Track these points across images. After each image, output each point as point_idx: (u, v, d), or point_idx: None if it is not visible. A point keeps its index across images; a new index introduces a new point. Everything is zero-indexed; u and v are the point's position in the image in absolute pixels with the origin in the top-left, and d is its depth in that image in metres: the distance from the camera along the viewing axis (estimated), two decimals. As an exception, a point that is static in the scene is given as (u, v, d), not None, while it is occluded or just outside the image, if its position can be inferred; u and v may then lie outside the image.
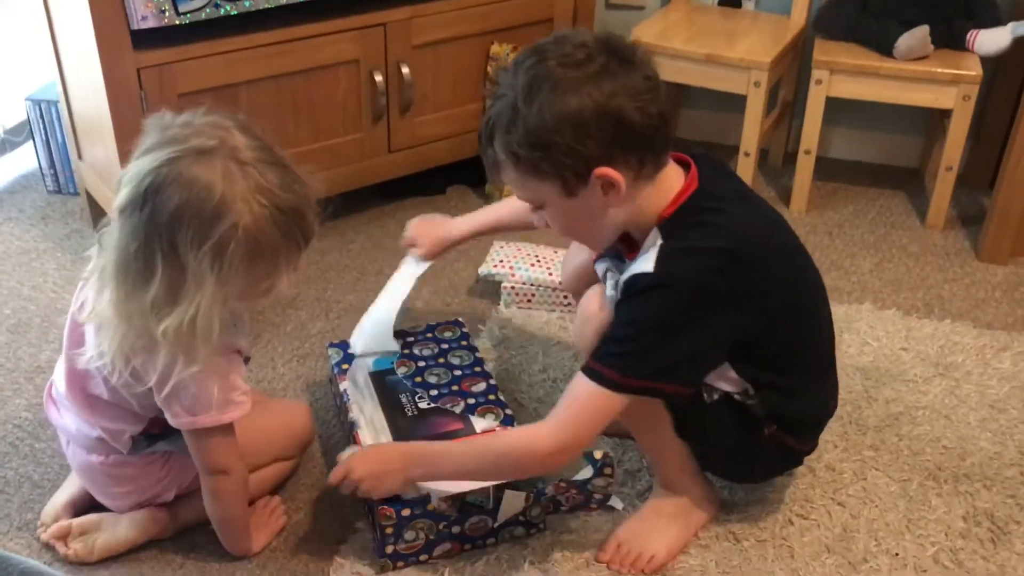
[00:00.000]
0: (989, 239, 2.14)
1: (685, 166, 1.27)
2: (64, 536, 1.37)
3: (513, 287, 1.94)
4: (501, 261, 1.97)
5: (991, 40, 2.12)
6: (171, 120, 1.15)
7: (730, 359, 1.27)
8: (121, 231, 1.13)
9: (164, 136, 1.13)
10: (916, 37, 2.10)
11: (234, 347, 1.25)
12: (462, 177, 2.40)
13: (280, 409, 1.55)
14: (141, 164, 1.12)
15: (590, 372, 1.20)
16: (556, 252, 2.01)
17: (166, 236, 1.10)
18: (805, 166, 2.29)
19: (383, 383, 1.57)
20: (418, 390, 1.56)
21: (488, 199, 2.35)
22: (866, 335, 1.87)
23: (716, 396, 1.32)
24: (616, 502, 1.44)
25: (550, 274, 1.93)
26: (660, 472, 1.43)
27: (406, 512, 1.32)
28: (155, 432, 1.31)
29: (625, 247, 1.30)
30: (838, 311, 1.93)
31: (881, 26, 2.16)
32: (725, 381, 1.31)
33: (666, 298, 1.18)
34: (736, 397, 1.31)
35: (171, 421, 1.24)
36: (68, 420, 1.34)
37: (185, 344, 1.15)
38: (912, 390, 1.72)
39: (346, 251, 2.16)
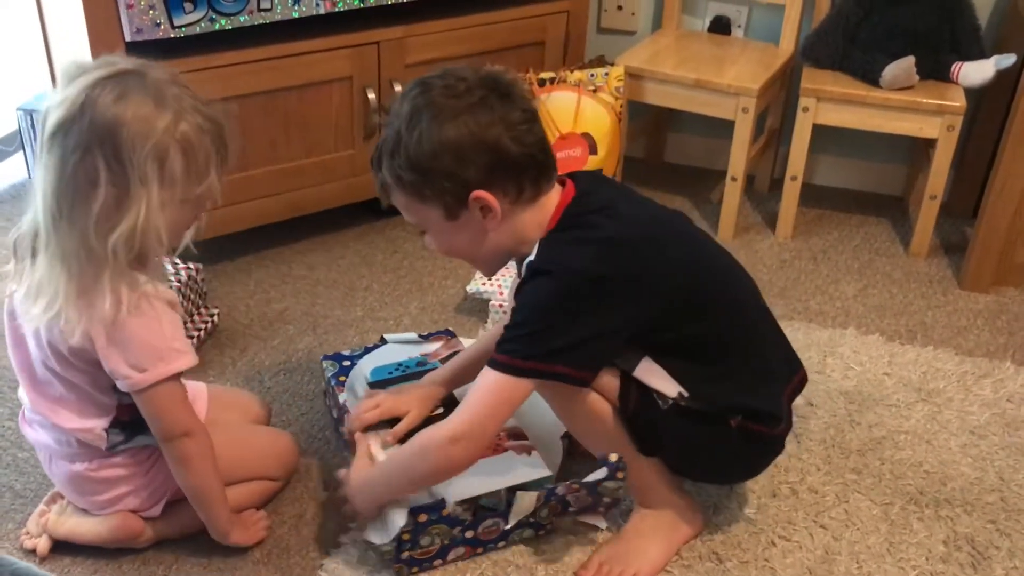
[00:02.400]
0: (971, 267, 2.16)
1: (563, 184, 1.33)
2: (43, 515, 1.40)
3: (501, 305, 1.95)
4: (489, 279, 1.98)
5: (975, 72, 2.16)
6: (89, 62, 1.19)
7: (649, 353, 1.30)
8: (53, 156, 1.14)
9: (87, 66, 1.16)
10: (902, 68, 2.14)
11: (167, 298, 1.25)
12: (452, 195, 2.41)
13: (265, 431, 1.56)
14: (69, 91, 1.14)
15: (490, 363, 1.26)
16: (544, 271, 2.02)
17: (109, 142, 1.12)
18: (791, 192, 2.32)
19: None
20: None
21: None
22: (850, 360, 1.89)
23: (669, 403, 1.32)
24: (600, 521, 1.44)
25: (538, 293, 1.94)
26: (635, 489, 1.44)
27: (422, 518, 1.32)
28: (125, 420, 1.31)
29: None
30: (822, 336, 1.95)
31: (868, 56, 2.19)
32: (660, 380, 1.31)
33: (548, 283, 1.24)
34: (682, 402, 1.31)
35: (121, 385, 1.23)
36: (43, 435, 1.34)
37: (132, 259, 1.17)
38: (894, 415, 1.74)
39: (335, 266, 2.17)
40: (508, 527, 1.39)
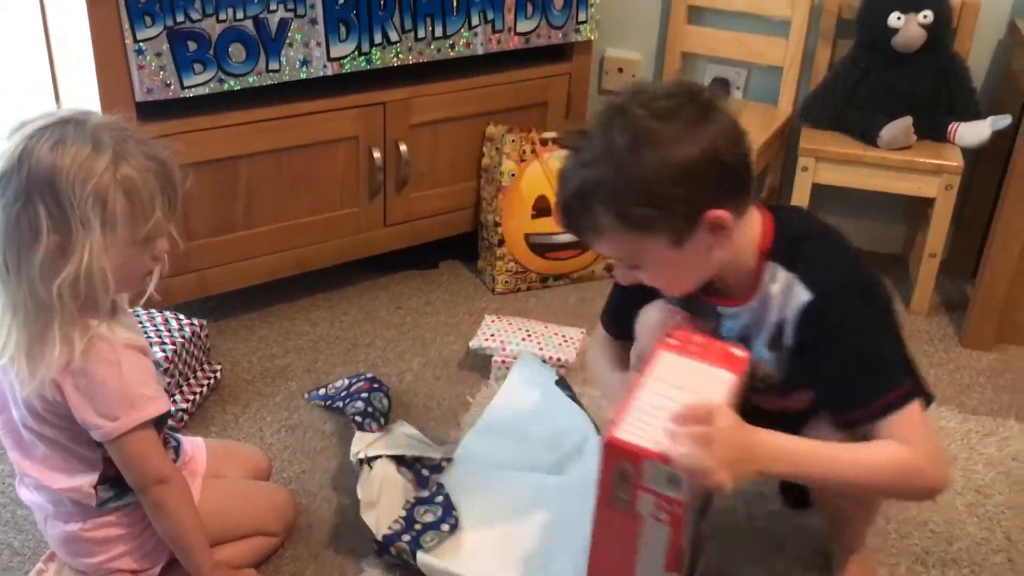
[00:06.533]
0: (973, 326, 2.17)
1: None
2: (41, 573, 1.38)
3: (504, 361, 1.95)
4: (492, 335, 1.98)
5: (971, 132, 2.19)
6: (33, 115, 1.20)
7: None
8: None
9: (29, 119, 1.18)
10: (900, 128, 2.17)
11: (134, 344, 1.25)
12: (455, 252, 2.44)
13: (263, 485, 1.56)
14: (8, 143, 1.15)
15: (887, 407, 1.16)
16: (547, 327, 2.03)
17: (48, 189, 1.13)
18: (792, 250, 2.33)
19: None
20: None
21: (481, 274, 2.38)
22: (853, 417, 1.88)
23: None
24: None
25: (540, 349, 1.94)
26: (848, 533, 1.43)
27: None
28: (113, 475, 1.30)
29: (701, 291, 1.28)
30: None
31: (865, 117, 2.22)
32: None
33: (855, 304, 1.19)
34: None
35: (95, 435, 1.23)
36: (36, 496, 1.34)
37: (81, 305, 1.16)
38: (899, 473, 1.73)
39: (338, 323, 2.17)
40: None
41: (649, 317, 1.38)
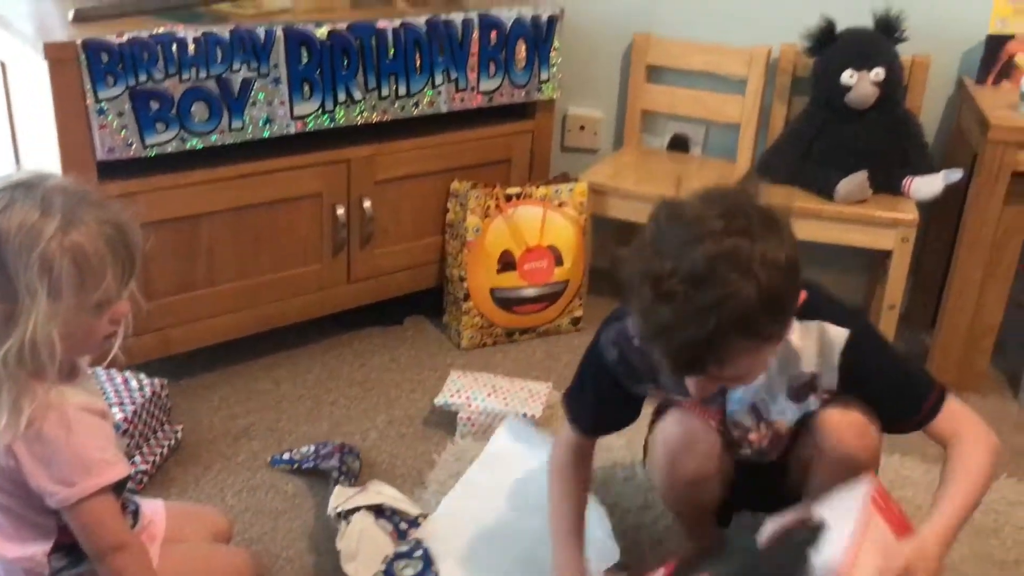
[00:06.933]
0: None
1: None
2: None
3: (469, 417, 1.94)
4: (458, 391, 1.97)
5: (926, 186, 2.24)
6: None
7: None
8: None
9: None
10: (855, 182, 2.21)
11: (92, 408, 1.22)
12: (421, 308, 2.43)
13: (223, 548, 1.52)
14: None
15: (933, 410, 1.29)
16: (512, 382, 2.02)
17: None
18: (754, 302, 2.35)
19: None
20: None
21: (447, 329, 2.37)
22: (818, 469, 1.89)
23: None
24: None
25: (506, 404, 1.93)
26: None
27: None
28: (67, 543, 1.25)
29: None
30: (790, 445, 1.96)
31: (822, 172, 2.27)
32: None
33: (869, 334, 1.32)
34: None
35: (50, 502, 1.19)
36: None
37: (30, 372, 1.13)
38: (865, 524, 1.73)
39: (301, 380, 2.15)
40: None
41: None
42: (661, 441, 1.44)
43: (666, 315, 1.10)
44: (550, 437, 1.77)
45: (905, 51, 2.26)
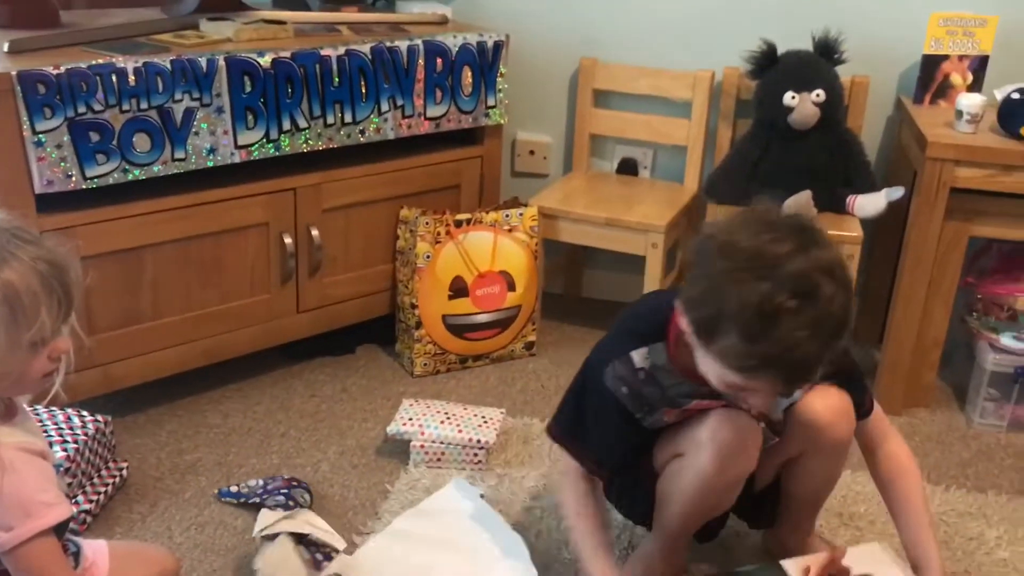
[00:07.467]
0: (882, 392, 2.22)
1: None
2: None
3: (423, 445, 1.92)
4: (411, 419, 1.95)
5: (869, 204, 2.27)
6: None
7: None
8: None
9: None
10: (800, 202, 2.24)
11: (30, 448, 1.19)
12: (372, 336, 2.41)
13: (153, 549, 1.49)
14: None
15: (872, 406, 1.49)
16: (466, 409, 2.01)
17: None
18: (705, 323, 2.37)
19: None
20: None
21: (399, 357, 2.35)
22: (772, 487, 1.89)
23: None
24: None
25: (459, 431, 1.92)
26: (812, 519, 1.67)
27: None
28: None
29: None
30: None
31: (767, 191, 2.29)
32: None
33: None
34: None
35: None
36: None
37: None
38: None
39: (250, 413, 2.11)
40: None
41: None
42: (713, 445, 1.39)
43: (785, 331, 1.12)
44: (493, 508, 1.78)
45: (844, 72, 2.31)
